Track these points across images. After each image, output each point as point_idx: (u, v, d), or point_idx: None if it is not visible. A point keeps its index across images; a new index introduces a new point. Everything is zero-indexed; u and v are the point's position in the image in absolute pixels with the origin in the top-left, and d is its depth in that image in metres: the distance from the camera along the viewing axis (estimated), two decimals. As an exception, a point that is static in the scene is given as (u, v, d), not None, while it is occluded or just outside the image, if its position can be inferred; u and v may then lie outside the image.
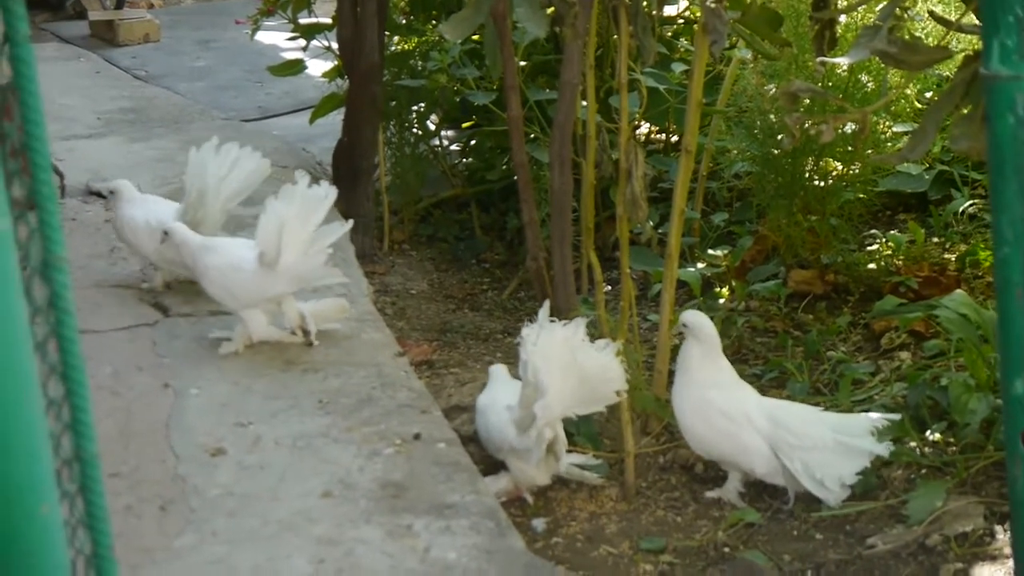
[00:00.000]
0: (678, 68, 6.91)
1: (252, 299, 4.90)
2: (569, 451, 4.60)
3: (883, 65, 5.68)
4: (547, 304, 4.48)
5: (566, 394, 4.30)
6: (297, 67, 7.53)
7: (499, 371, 4.83)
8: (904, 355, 5.41)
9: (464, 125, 7.84)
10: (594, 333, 4.63)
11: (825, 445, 4.38)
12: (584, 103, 5.34)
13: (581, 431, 4.79)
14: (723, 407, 4.51)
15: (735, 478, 4.56)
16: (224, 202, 5.39)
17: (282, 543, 3.69)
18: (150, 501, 3.93)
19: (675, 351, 5.11)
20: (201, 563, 3.60)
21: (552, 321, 4.33)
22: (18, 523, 1.66)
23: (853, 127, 5.68)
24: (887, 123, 6.20)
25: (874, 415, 4.51)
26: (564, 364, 4.27)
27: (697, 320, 4.60)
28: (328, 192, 4.82)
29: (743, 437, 4.48)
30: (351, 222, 5.05)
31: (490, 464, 4.60)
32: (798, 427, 4.44)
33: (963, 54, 3.95)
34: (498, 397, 4.62)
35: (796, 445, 4.41)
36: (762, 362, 5.55)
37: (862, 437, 4.38)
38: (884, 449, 4.35)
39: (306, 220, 4.78)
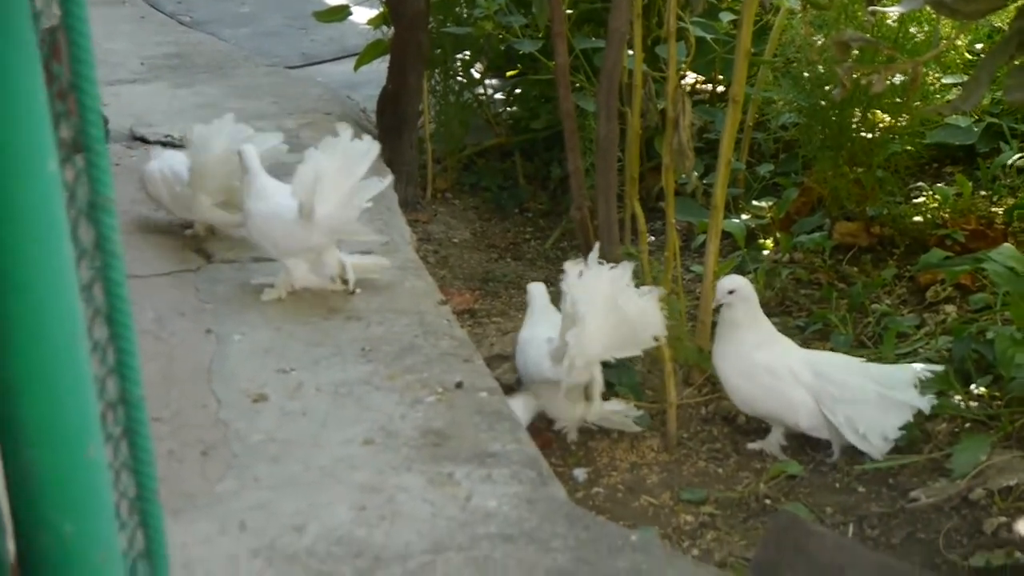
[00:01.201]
0: (726, 17, 6.86)
1: (291, 248, 4.90)
2: (608, 399, 4.61)
3: (934, 15, 5.62)
4: (597, 247, 4.49)
5: (605, 332, 4.33)
6: (342, 13, 7.50)
7: (538, 290, 4.86)
8: (949, 308, 5.37)
9: (509, 73, 7.80)
10: (638, 282, 4.62)
11: (867, 398, 4.37)
12: (631, 52, 5.30)
13: (623, 381, 4.79)
14: (767, 364, 4.50)
15: (778, 431, 4.55)
16: (225, 178, 5.31)
17: (323, 489, 3.70)
18: (192, 446, 3.94)
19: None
20: (243, 508, 3.61)
21: (600, 263, 4.35)
22: (64, 465, 1.66)
23: (902, 78, 5.63)
24: (936, 74, 6.14)
25: (917, 366, 4.48)
26: (606, 303, 4.29)
27: (739, 283, 4.58)
28: (371, 147, 4.79)
29: (788, 392, 4.47)
30: (390, 178, 5.03)
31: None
32: (841, 379, 4.42)
33: (1018, 4, 3.90)
34: (539, 331, 4.65)
35: (839, 398, 4.39)
36: (806, 314, 5.52)
37: (905, 390, 4.36)
38: (927, 403, 4.32)
39: (347, 174, 4.76)
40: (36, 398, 1.63)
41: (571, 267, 4.34)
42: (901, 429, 4.34)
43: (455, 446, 3.94)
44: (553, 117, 7.06)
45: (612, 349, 4.45)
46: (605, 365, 4.69)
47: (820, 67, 5.99)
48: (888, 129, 6.11)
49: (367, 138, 4.84)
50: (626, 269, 4.37)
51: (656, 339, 4.47)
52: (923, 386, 4.35)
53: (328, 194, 4.75)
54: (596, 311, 4.27)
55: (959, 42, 6.16)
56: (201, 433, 4.02)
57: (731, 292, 4.56)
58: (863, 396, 4.37)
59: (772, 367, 4.49)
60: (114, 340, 1.83)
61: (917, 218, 6.02)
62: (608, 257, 5.04)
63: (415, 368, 4.42)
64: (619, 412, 4.60)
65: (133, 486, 1.91)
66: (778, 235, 6.19)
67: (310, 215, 4.76)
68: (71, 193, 1.73)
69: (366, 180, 4.80)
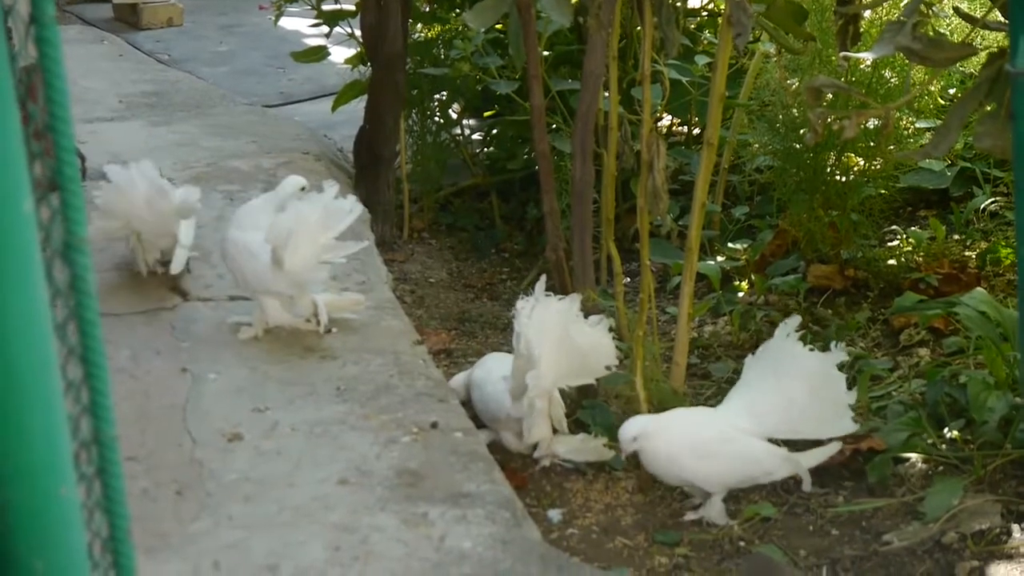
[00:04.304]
0: (701, 60, 6.90)
1: (257, 287, 4.91)
2: (576, 433, 4.64)
3: (907, 61, 5.66)
4: (543, 279, 4.57)
5: (557, 364, 4.41)
6: (320, 54, 7.52)
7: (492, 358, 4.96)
8: (923, 352, 5.39)
9: (486, 114, 7.82)
10: (614, 322, 4.65)
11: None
12: (607, 94, 5.33)
13: (597, 421, 4.79)
14: (716, 433, 4.40)
15: (719, 497, 4.45)
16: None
17: (298, 529, 3.70)
18: (166, 485, 3.94)
19: (693, 344, 5.11)
20: (217, 548, 3.61)
21: (548, 295, 4.43)
22: (37, 505, 1.66)
23: (876, 123, 5.67)
24: (910, 119, 6.18)
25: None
26: (557, 337, 4.37)
27: (644, 429, 4.39)
28: (353, 207, 4.80)
29: (749, 447, 4.38)
30: (368, 241, 5.06)
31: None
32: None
33: (988, 51, 3.94)
34: (494, 369, 4.71)
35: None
36: (780, 356, 5.52)
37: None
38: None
39: (324, 229, 4.77)
40: (9, 437, 1.63)
41: (522, 306, 4.42)
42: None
43: (430, 486, 3.94)
44: (530, 158, 7.09)
45: (565, 379, 4.53)
46: (580, 406, 4.71)
47: (795, 111, 6.02)
48: (862, 173, 6.14)
49: (351, 198, 4.86)
50: (574, 300, 4.46)
51: (608, 368, 4.54)
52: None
53: (301, 247, 4.75)
54: (547, 344, 4.34)
55: (932, 87, 6.20)
56: (175, 472, 4.01)
57: (634, 439, 4.36)
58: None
59: (722, 433, 4.40)
60: (88, 380, 1.83)
61: (891, 261, 6.04)
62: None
63: (390, 408, 4.42)
64: (588, 440, 4.60)
65: (106, 526, 1.91)
66: (753, 277, 6.20)
67: (280, 263, 4.76)
68: (46, 233, 1.74)
69: (343, 239, 4.81)
